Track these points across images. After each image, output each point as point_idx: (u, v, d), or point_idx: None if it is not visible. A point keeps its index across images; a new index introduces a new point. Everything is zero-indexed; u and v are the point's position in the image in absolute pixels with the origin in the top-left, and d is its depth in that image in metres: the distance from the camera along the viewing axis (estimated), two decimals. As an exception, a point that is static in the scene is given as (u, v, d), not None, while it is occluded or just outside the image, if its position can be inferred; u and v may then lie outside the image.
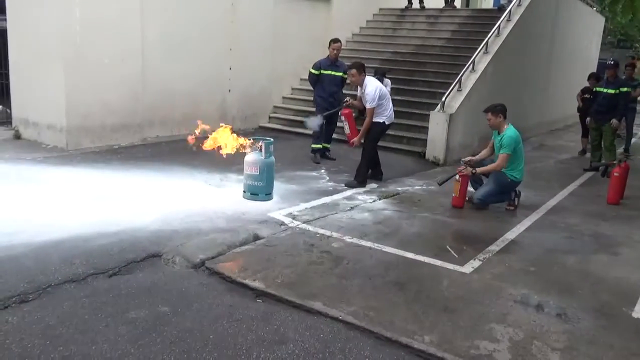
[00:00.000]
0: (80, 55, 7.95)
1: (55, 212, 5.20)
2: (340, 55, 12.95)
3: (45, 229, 4.69)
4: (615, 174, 7.02)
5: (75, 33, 7.87)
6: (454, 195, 6.42)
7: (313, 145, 8.53)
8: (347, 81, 7.57)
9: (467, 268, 4.53)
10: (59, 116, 8.03)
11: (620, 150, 10.41)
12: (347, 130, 7.29)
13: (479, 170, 6.36)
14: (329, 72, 8.35)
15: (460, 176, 6.32)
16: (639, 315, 3.85)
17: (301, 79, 12.45)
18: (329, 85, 8.40)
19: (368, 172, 7.25)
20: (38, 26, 8.09)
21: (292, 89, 12.24)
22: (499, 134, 6.39)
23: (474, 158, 6.62)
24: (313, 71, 8.41)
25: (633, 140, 12.10)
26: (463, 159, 6.65)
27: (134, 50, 8.66)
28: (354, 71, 6.90)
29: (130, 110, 8.80)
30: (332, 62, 8.39)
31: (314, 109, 11.42)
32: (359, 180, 7.09)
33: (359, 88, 7.17)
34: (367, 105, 6.95)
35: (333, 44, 8.36)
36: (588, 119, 10.01)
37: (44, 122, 8.27)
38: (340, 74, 8.40)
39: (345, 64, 8.23)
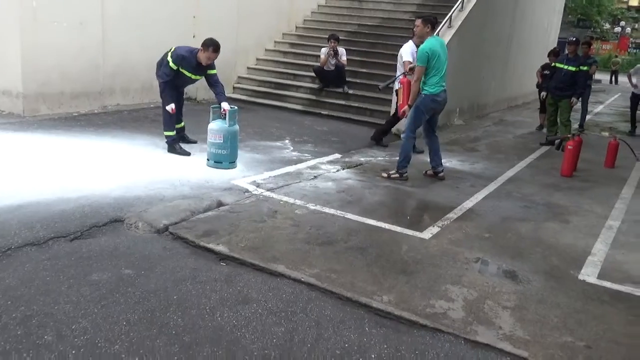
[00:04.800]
0: (37, 18, 7.68)
1: (13, 179, 5.10)
2: (299, 26, 12.98)
3: (2, 195, 4.60)
4: (569, 147, 7.29)
5: (32, -5, 7.60)
6: (399, 104, 6.72)
7: (168, 133, 6.57)
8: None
9: (426, 234, 4.68)
10: (14, 81, 7.77)
11: (575, 126, 10.76)
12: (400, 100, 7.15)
13: (410, 100, 6.30)
14: (190, 74, 6.49)
15: (400, 82, 6.57)
16: (585, 277, 4.08)
17: (266, 50, 12.39)
18: (183, 83, 6.69)
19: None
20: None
21: (257, 59, 12.14)
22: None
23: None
24: (172, 66, 6.30)
25: (588, 117, 12.50)
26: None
27: (93, 15, 8.40)
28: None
29: (90, 77, 8.59)
30: (200, 67, 6.43)
31: (278, 80, 11.46)
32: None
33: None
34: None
35: (212, 53, 6.30)
36: (543, 93, 10.29)
37: (-1, 88, 8.01)
38: (201, 77, 6.61)
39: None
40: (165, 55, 6.42)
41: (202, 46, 6.29)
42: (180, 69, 6.36)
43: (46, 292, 3.20)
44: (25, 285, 3.25)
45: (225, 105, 6.21)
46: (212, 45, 6.25)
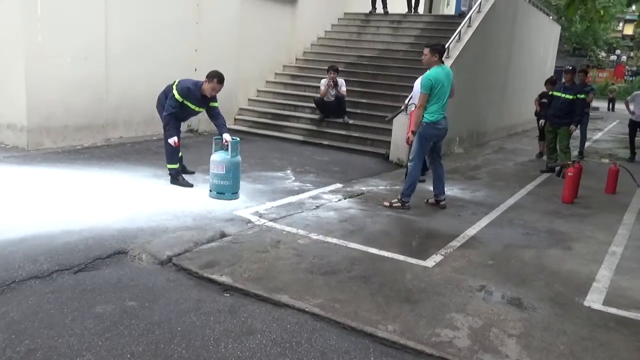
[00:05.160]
0: (41, 53, 7.83)
1: (17, 212, 5.13)
2: (299, 58, 13.19)
3: (6, 228, 4.62)
4: (570, 174, 7.32)
5: (37, 31, 7.74)
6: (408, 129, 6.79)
7: (172, 166, 6.63)
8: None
9: (429, 262, 4.67)
10: (19, 115, 7.88)
11: (575, 153, 10.82)
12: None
13: (414, 126, 6.35)
14: (194, 107, 6.54)
15: (410, 114, 6.72)
16: (590, 304, 4.06)
17: (267, 81, 12.56)
18: (186, 115, 6.78)
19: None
20: (-2, 24, 7.93)
21: (258, 90, 12.30)
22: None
23: None
24: (178, 98, 6.37)
25: (587, 144, 12.58)
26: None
27: (97, 50, 8.57)
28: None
29: (94, 111, 8.71)
30: (204, 99, 6.51)
31: (279, 111, 11.59)
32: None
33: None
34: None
35: (217, 84, 6.36)
36: (542, 121, 10.39)
37: (3, 122, 8.09)
38: (204, 109, 6.67)
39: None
40: (169, 88, 6.52)
41: (206, 78, 6.40)
42: (185, 101, 6.42)
43: (50, 325, 3.19)
44: (29, 318, 3.25)
45: (227, 136, 6.28)
46: (216, 77, 6.35)
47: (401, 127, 9.26)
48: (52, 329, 3.16)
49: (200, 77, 6.72)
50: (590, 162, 10.89)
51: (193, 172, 7.07)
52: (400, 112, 8.25)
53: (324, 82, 10.66)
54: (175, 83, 6.50)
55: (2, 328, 3.11)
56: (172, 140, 6.40)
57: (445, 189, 6.76)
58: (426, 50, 6.29)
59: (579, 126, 9.83)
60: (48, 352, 2.92)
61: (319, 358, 3.08)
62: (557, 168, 8.90)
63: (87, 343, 3.04)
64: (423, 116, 6.23)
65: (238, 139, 6.37)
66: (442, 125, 6.31)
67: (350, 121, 10.69)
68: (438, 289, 4.12)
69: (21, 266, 3.91)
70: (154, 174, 7.01)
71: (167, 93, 6.55)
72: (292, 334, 3.32)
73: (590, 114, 12.79)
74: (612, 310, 3.96)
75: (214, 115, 6.63)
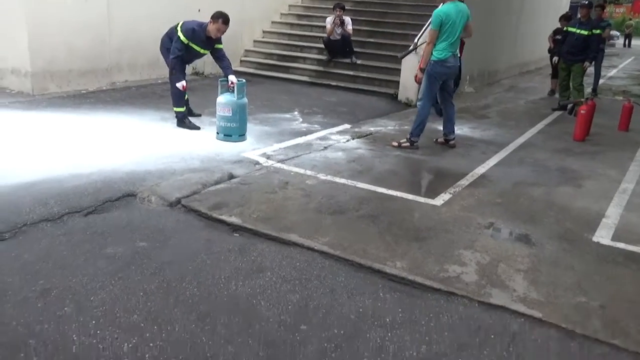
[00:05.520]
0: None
1: (25, 157, 5.14)
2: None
3: (15, 173, 4.65)
4: (582, 112, 7.18)
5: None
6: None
7: (178, 109, 6.57)
8: None
9: (438, 201, 4.66)
10: (22, 60, 7.78)
11: (588, 90, 10.60)
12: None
13: (422, 63, 6.20)
14: (199, 49, 6.42)
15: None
16: (599, 239, 4.06)
17: (272, 22, 12.26)
18: (191, 58, 6.66)
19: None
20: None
21: (263, 31, 12.03)
22: None
23: None
24: (183, 40, 6.24)
25: (601, 81, 12.30)
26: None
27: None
28: None
29: (97, 53, 8.58)
30: (209, 41, 6.40)
31: (285, 52, 11.36)
32: None
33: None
34: None
35: (222, 25, 6.21)
36: (555, 58, 10.12)
37: (7, 67, 8.00)
38: (209, 51, 6.56)
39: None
40: (173, 30, 6.37)
41: (211, 18, 6.24)
42: (190, 44, 6.29)
43: (63, 266, 3.25)
44: (43, 260, 3.30)
45: (232, 78, 6.18)
46: (221, 17, 6.20)
47: (410, 67, 9.07)
48: (65, 269, 3.21)
49: (204, 18, 6.55)
50: (603, 99, 10.67)
51: (199, 115, 7.02)
52: (411, 51, 8.04)
53: (329, 20, 10.39)
54: (179, 25, 6.34)
55: (17, 269, 3.17)
56: (181, 84, 6.31)
57: (455, 128, 6.67)
58: None
59: (593, 63, 9.57)
60: (63, 291, 2.98)
61: (328, 294, 3.12)
62: (570, 106, 8.72)
63: (100, 282, 3.09)
64: (432, 53, 6.07)
65: (244, 80, 6.27)
66: (450, 63, 6.15)
67: (358, 61, 10.48)
68: (446, 226, 4.13)
69: (32, 210, 3.94)
70: (161, 117, 6.97)
71: (170, 35, 6.41)
72: (301, 272, 3.36)
73: (605, 50, 12.42)
74: (621, 245, 3.96)
75: (219, 57, 6.51)
